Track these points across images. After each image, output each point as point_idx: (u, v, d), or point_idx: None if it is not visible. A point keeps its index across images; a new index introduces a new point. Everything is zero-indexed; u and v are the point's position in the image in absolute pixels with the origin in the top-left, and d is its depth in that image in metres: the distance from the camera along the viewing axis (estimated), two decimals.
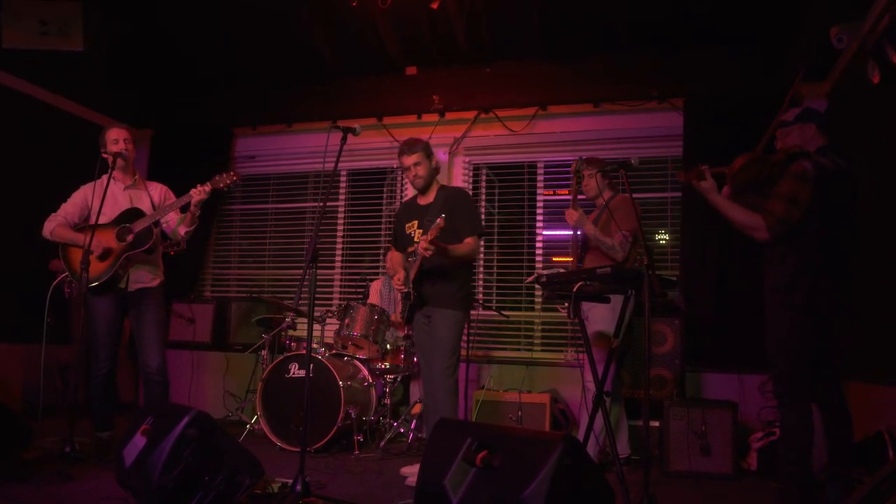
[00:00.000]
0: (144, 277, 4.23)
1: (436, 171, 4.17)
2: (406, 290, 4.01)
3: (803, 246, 3.07)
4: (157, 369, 4.13)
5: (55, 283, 4.31)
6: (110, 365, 4.17)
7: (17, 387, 5.55)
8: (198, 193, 4.04)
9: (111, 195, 4.12)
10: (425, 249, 3.69)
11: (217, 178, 4.10)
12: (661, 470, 4.24)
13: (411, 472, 3.86)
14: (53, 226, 4.12)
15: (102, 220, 4.03)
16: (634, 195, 3.45)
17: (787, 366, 3.07)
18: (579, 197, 4.29)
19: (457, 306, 4.00)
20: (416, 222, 4.12)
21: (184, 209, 4.18)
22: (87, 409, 4.17)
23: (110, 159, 4.12)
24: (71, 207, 4.20)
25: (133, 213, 4.15)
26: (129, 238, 4.07)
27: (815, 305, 3.04)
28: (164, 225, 4.22)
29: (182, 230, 4.22)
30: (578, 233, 4.37)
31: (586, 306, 4.12)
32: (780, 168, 3.17)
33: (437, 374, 3.93)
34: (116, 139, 4.19)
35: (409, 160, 4.06)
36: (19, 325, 5.07)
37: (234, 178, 4.13)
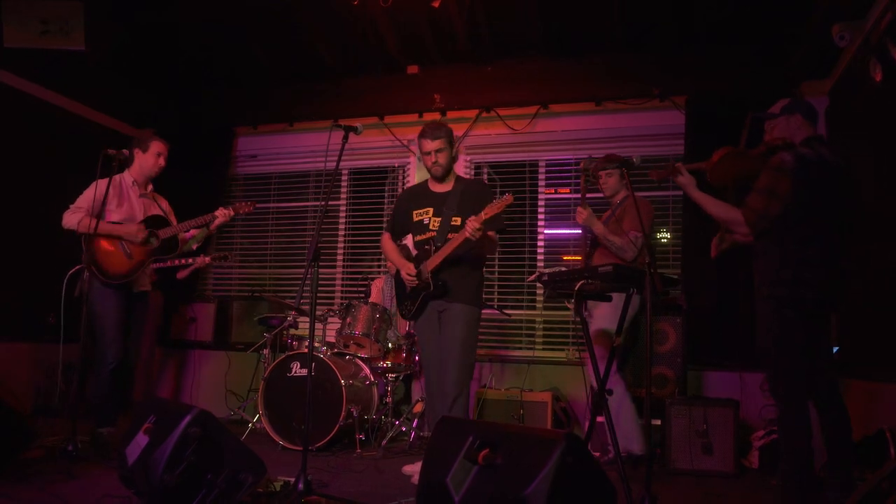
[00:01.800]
0: (145, 280, 4.48)
1: (455, 159, 4.00)
2: (417, 282, 3.83)
3: (786, 238, 3.03)
4: (144, 361, 4.61)
5: (71, 272, 4.33)
6: (118, 361, 4.24)
7: (23, 385, 5.55)
8: (223, 216, 4.37)
9: (127, 198, 4.36)
10: (476, 230, 3.51)
11: (238, 204, 4.48)
12: (662, 468, 4.24)
13: (413, 470, 3.83)
14: (81, 216, 4.18)
15: (118, 219, 4.27)
16: (636, 193, 3.44)
17: (777, 362, 3.04)
18: (590, 195, 4.29)
19: (475, 302, 3.85)
20: (430, 210, 3.94)
21: (202, 225, 4.45)
22: (89, 406, 4.17)
23: (117, 156, 4.20)
24: (91, 201, 4.25)
25: (159, 220, 4.38)
26: (156, 244, 4.30)
27: (800, 298, 3.00)
28: (180, 236, 4.48)
29: (195, 246, 4.62)
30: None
31: (591, 304, 4.12)
32: (762, 161, 3.14)
33: (452, 375, 3.72)
34: (160, 153, 4.46)
35: (432, 145, 3.85)
36: (27, 323, 5.08)
37: (251, 209, 4.51)
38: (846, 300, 3.17)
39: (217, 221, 4.38)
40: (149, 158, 4.42)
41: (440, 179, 3.97)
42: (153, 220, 4.36)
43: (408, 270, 3.86)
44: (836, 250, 3.06)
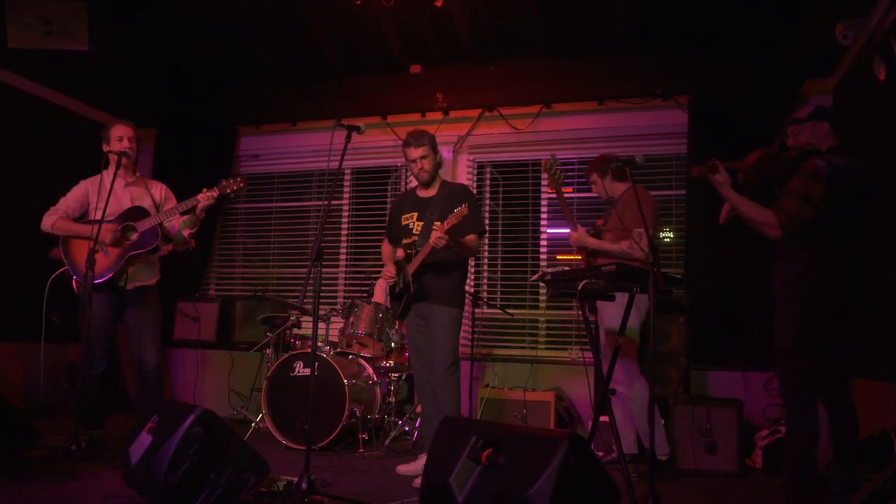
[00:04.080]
0: (144, 276, 4.25)
1: (439, 165, 4.11)
2: (394, 281, 3.94)
3: (815, 243, 3.06)
4: (154, 366, 4.19)
5: (54, 276, 4.26)
6: (107, 364, 4.17)
7: (18, 385, 5.56)
8: (205, 199, 4.01)
9: (112, 192, 4.10)
10: (439, 239, 3.59)
11: (224, 183, 4.08)
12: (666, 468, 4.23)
13: (408, 470, 3.91)
14: (55, 219, 4.09)
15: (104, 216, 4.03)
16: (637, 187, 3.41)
17: (793, 362, 3.06)
18: (577, 195, 4.29)
19: (454, 303, 3.95)
20: (415, 214, 4.05)
21: (187, 211, 4.15)
22: (77, 408, 4.04)
23: (115, 158, 4.12)
24: (71, 202, 4.19)
25: (137, 212, 4.16)
26: (134, 237, 4.09)
27: (825, 302, 3.03)
28: (167, 225, 4.22)
29: (186, 233, 4.22)
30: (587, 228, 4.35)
31: (600, 303, 4.07)
32: (792, 166, 3.16)
33: (439, 375, 3.85)
34: (121, 137, 4.20)
35: (416, 153, 3.97)
36: (24, 323, 5.08)
37: (241, 185, 4.09)
38: (864, 303, 3.18)
39: (201, 205, 4.03)
40: (114, 147, 4.18)
41: (426, 185, 4.10)
42: (131, 213, 4.16)
43: (387, 271, 4.01)
44: (857, 256, 3.10)
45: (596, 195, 4.66)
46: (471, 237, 3.91)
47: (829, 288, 3.03)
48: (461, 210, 3.60)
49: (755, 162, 3.27)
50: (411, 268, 3.91)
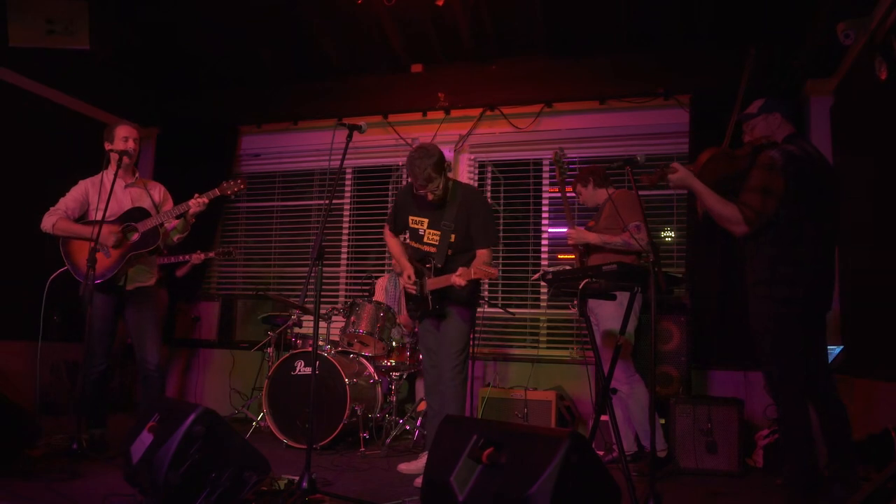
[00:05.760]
0: (143, 277, 4.27)
1: (449, 170, 4.00)
2: (415, 291, 3.90)
3: (780, 236, 3.03)
4: (156, 366, 4.20)
5: (54, 276, 4.26)
6: (107, 363, 4.18)
7: (28, 384, 5.56)
8: (196, 206, 4.06)
9: (113, 193, 4.10)
10: (461, 285, 3.66)
11: (225, 184, 4.14)
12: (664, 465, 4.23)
13: (409, 468, 3.93)
14: (55, 219, 4.09)
15: (101, 216, 4.02)
16: (641, 192, 3.40)
17: (775, 361, 3.04)
18: (570, 196, 4.36)
19: (467, 303, 3.94)
20: (426, 220, 3.90)
21: (179, 216, 4.18)
22: (79, 407, 4.04)
23: (116, 157, 4.12)
24: (71, 202, 4.19)
25: (138, 213, 4.17)
26: (135, 237, 4.10)
27: (797, 297, 2.99)
28: (167, 227, 4.24)
29: (176, 238, 4.28)
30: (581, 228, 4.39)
31: (594, 304, 4.11)
32: (748, 161, 3.14)
33: (447, 372, 3.86)
34: (127, 137, 4.21)
35: (423, 190, 3.74)
36: (27, 321, 5.09)
37: (242, 187, 4.14)
38: (835, 298, 3.15)
39: (191, 210, 4.07)
40: (118, 146, 4.17)
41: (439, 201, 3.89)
42: (132, 214, 4.16)
43: (408, 273, 3.90)
44: (826, 247, 3.07)
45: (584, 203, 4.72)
46: (482, 252, 3.84)
47: (795, 283, 2.99)
48: (492, 272, 3.60)
49: (707, 162, 3.25)
50: (431, 285, 3.86)
